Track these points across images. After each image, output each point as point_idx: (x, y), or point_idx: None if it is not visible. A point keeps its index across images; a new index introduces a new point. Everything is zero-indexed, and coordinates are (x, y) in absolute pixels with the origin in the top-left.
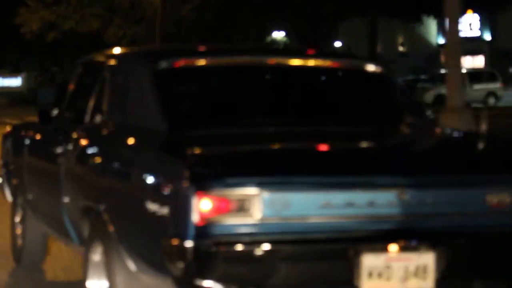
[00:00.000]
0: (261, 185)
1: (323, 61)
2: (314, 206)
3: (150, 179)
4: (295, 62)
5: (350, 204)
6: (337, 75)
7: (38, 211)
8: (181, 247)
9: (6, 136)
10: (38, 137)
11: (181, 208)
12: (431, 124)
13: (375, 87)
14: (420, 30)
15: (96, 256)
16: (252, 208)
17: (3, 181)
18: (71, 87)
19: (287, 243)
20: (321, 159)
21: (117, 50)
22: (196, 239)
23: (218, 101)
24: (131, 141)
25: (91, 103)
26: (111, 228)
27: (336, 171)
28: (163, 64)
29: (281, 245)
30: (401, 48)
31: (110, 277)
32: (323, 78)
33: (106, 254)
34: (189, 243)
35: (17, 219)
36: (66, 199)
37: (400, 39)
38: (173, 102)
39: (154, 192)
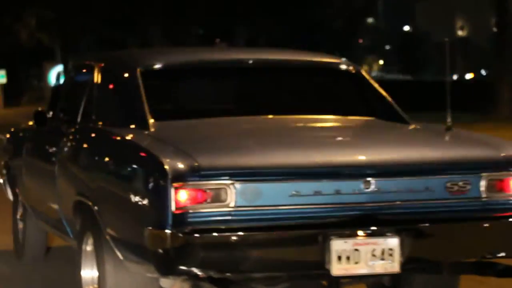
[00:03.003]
0: (233, 176)
1: (295, 59)
2: (284, 195)
3: (133, 174)
4: (270, 61)
5: (318, 193)
6: (310, 73)
7: (36, 208)
8: (161, 235)
9: (8, 138)
10: (34, 138)
11: (160, 199)
12: (399, 118)
13: (345, 83)
14: None
15: (88, 247)
16: (226, 198)
17: (4, 181)
18: (65, 89)
19: (260, 230)
20: (291, 152)
21: (104, 54)
22: (174, 227)
23: (196, 100)
24: (115, 138)
25: (82, 104)
26: (99, 220)
27: (305, 162)
28: (144, 67)
29: (254, 232)
30: (495, 30)
31: (100, 267)
32: (296, 76)
33: (96, 245)
34: (167, 231)
35: (18, 216)
36: (60, 196)
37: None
38: (154, 103)
39: (136, 186)
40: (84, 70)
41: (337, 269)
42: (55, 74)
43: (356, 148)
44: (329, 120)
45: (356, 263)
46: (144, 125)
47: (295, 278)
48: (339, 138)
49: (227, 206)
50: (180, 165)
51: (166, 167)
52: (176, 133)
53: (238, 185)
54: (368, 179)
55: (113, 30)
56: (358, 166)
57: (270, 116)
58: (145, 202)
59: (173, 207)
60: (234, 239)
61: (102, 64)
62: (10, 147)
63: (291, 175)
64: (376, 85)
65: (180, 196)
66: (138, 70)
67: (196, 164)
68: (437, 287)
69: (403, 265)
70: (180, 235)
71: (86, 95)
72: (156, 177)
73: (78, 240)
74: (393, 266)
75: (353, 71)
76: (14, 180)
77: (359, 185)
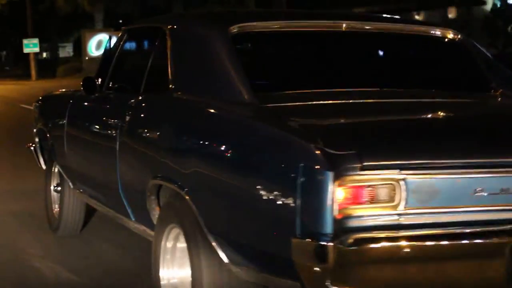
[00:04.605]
0: (405, 169)
1: (408, 28)
2: (464, 194)
3: (262, 163)
4: (378, 28)
5: (505, 191)
6: (426, 43)
7: (81, 183)
8: (318, 248)
9: (40, 105)
10: (81, 107)
11: (316, 200)
12: None
13: (461, 55)
14: None
15: (169, 242)
16: (394, 197)
17: (35, 149)
18: (116, 55)
19: (435, 238)
20: (468, 137)
21: (177, 15)
22: (335, 236)
23: (302, 69)
24: (220, 114)
25: (145, 72)
26: (196, 212)
27: (489, 151)
28: (240, 28)
29: (428, 241)
30: None
31: (194, 266)
32: (409, 46)
33: (189, 240)
34: (329, 243)
35: (52, 186)
36: (123, 175)
37: None
38: (258, 70)
39: (270, 179)
40: (146, 35)
41: None
42: (95, 43)
43: None
44: (465, 99)
45: None
46: (251, 98)
47: None
48: (505, 121)
49: (396, 207)
50: (339, 154)
51: (324, 157)
52: (302, 110)
53: (410, 181)
54: None
55: None
56: None
57: (396, 93)
58: (288, 201)
59: (335, 211)
60: (406, 251)
61: (176, 27)
62: (44, 114)
63: (474, 168)
64: (492, 57)
65: (342, 196)
66: (231, 32)
67: (359, 153)
68: None
69: None
70: (345, 247)
71: (151, 62)
72: (308, 170)
73: (156, 234)
74: None
75: (466, 42)
76: (50, 149)
77: None
